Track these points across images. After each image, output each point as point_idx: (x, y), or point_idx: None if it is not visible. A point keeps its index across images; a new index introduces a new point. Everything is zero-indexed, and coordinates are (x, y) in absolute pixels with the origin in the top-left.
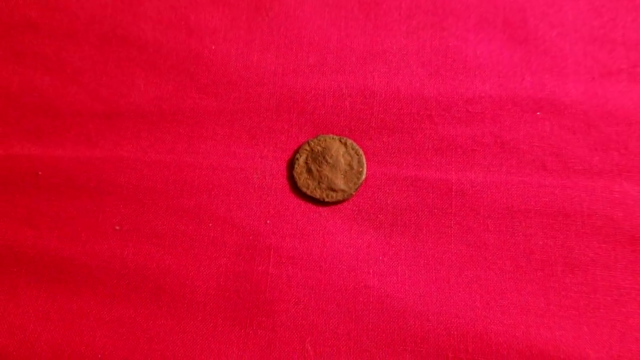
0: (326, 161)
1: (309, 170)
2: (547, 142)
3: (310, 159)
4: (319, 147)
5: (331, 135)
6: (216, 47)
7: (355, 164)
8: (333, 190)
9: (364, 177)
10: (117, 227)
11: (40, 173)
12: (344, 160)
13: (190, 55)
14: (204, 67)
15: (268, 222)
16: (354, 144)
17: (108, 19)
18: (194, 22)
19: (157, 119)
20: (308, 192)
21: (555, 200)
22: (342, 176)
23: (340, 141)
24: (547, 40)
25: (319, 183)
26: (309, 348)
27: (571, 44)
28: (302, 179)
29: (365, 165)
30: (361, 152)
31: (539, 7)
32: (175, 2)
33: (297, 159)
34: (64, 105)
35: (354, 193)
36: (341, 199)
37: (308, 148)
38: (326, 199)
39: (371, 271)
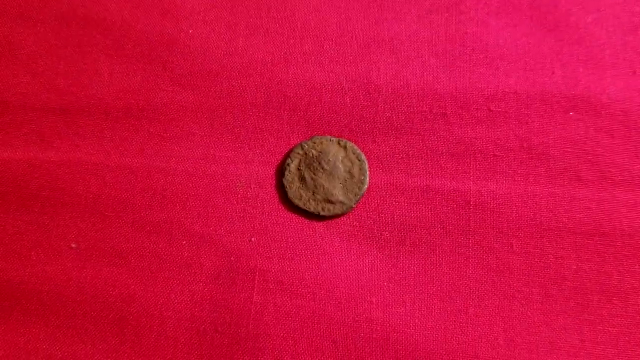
0: (322, 167)
1: (302, 178)
2: (582, 147)
3: (303, 164)
4: (313, 151)
5: (328, 137)
6: (194, 31)
7: (356, 171)
8: (330, 202)
9: (366, 186)
10: (74, 245)
11: None
12: (343, 166)
13: (163, 40)
14: (179, 54)
15: (253, 239)
16: (355, 147)
17: None
18: (168, 0)
19: (122, 116)
20: (300, 205)
21: (590, 217)
22: (341, 185)
23: (339, 144)
24: (581, 27)
25: (313, 193)
26: None
27: (609, 32)
28: (294, 188)
29: (367, 172)
30: (363, 157)
31: None
32: None
33: (288, 164)
34: (13, 98)
35: (354, 205)
36: (339, 212)
37: (301, 152)
38: (322, 213)
39: (374, 300)
